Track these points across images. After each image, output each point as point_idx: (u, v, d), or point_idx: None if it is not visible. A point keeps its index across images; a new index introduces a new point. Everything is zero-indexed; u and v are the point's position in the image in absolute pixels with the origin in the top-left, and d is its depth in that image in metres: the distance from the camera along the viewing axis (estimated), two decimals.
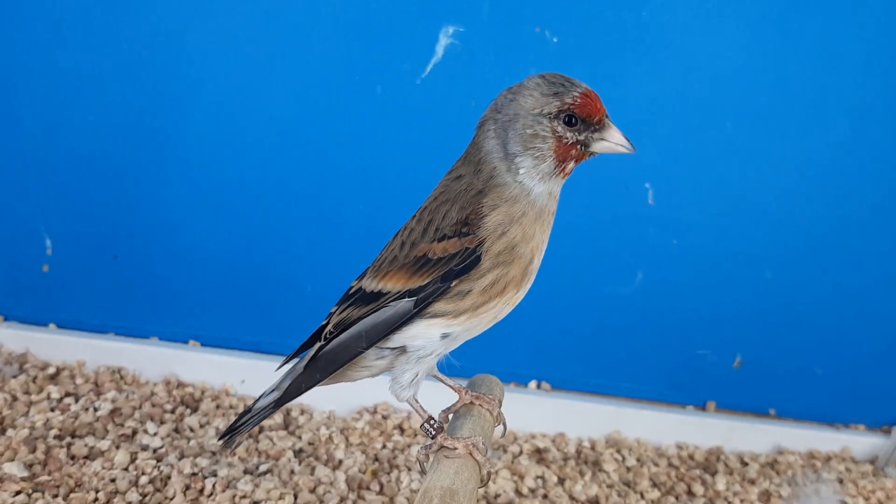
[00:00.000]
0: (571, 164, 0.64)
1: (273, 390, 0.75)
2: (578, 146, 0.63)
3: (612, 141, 0.63)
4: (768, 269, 1.23)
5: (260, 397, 0.76)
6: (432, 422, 0.69)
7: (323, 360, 0.68)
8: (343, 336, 0.67)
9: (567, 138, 0.62)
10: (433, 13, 1.12)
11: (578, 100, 0.62)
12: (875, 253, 1.22)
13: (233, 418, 1.16)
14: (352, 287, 0.71)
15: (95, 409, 1.14)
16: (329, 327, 0.69)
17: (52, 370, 1.22)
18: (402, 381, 0.68)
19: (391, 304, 0.64)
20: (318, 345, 0.70)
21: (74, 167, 1.24)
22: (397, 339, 0.66)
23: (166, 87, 1.19)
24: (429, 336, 0.65)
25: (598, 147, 0.63)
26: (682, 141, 1.17)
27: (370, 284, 0.66)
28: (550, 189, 0.64)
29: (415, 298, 0.63)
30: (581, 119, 0.62)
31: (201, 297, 1.30)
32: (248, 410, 0.77)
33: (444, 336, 0.65)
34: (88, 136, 1.22)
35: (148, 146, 1.22)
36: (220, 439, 0.78)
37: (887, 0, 1.09)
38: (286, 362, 0.78)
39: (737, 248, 1.22)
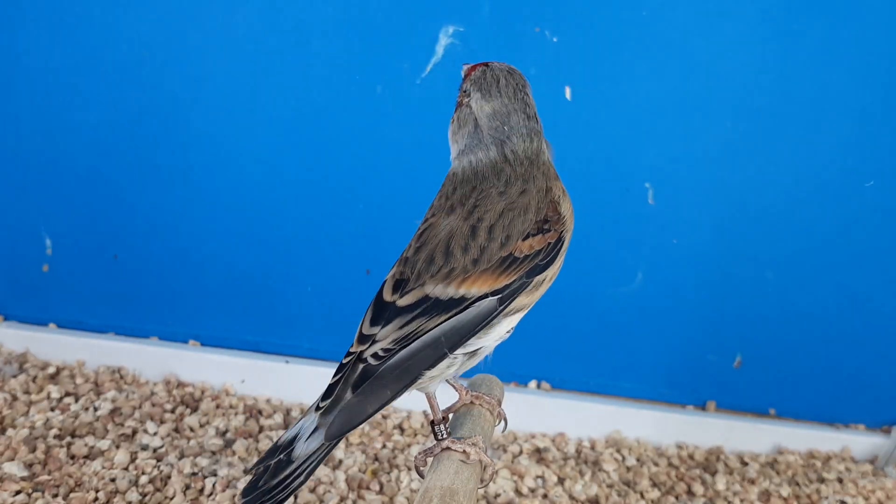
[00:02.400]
0: None
1: (314, 430, 0.65)
2: None
3: None
4: (768, 269, 1.23)
5: (290, 446, 0.66)
6: (446, 424, 0.68)
7: (390, 376, 0.62)
8: (414, 345, 0.63)
9: None
10: (433, 13, 1.12)
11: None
12: (875, 253, 1.22)
13: (232, 418, 1.16)
14: (393, 301, 0.65)
15: (95, 409, 1.14)
16: (382, 344, 0.63)
17: (52, 370, 1.22)
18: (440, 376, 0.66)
19: (474, 305, 0.63)
20: (361, 367, 0.64)
21: (74, 167, 1.24)
22: (478, 342, 0.64)
23: (166, 87, 1.19)
24: (504, 333, 0.65)
25: None
26: (682, 141, 1.17)
27: (444, 292, 0.63)
28: None
29: (498, 297, 0.63)
30: None
31: (201, 297, 1.30)
32: (279, 466, 0.66)
33: (510, 330, 0.66)
34: (88, 135, 1.22)
35: (148, 146, 1.22)
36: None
37: (887, 0, 1.09)
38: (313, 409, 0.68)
39: (737, 248, 1.22)
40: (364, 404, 0.63)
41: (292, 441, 0.66)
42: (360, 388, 0.63)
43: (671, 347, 1.28)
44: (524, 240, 0.63)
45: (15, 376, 1.19)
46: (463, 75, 0.69)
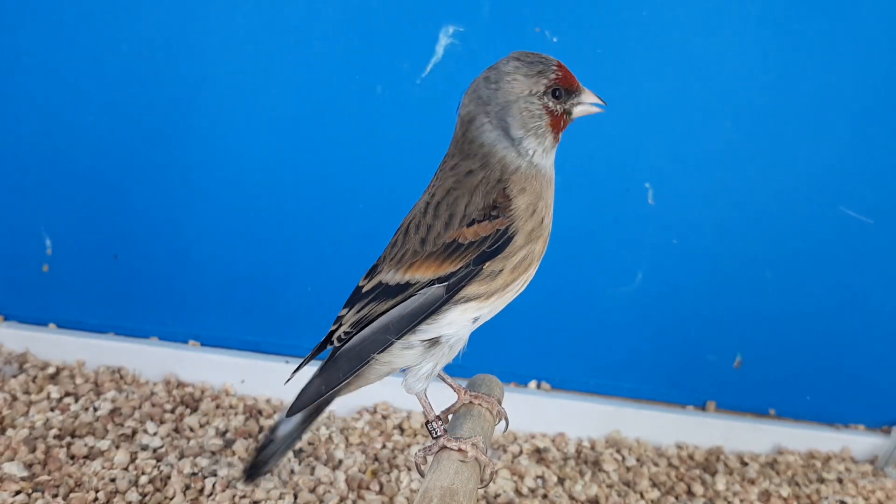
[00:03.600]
0: (561, 133, 0.68)
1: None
2: (565, 114, 0.67)
3: (587, 102, 0.68)
4: (768, 269, 1.23)
5: (279, 424, 0.74)
6: (440, 422, 0.68)
7: (344, 359, 0.66)
8: (366, 331, 0.65)
9: (556, 111, 0.66)
10: (433, 13, 1.12)
11: (560, 73, 0.66)
12: (875, 253, 1.22)
13: (232, 418, 1.16)
14: (361, 287, 0.69)
15: (95, 409, 1.14)
16: (344, 328, 0.67)
17: (52, 370, 1.22)
18: (420, 373, 0.67)
19: (420, 292, 0.64)
20: (330, 349, 0.69)
21: (74, 167, 1.24)
22: (431, 330, 0.65)
23: (166, 87, 1.19)
24: (462, 322, 0.65)
25: (578, 111, 0.68)
26: (682, 141, 1.17)
27: (393, 277, 0.65)
28: (552, 159, 0.68)
29: (445, 284, 0.63)
30: (564, 90, 0.66)
31: (201, 297, 1.30)
32: (268, 442, 0.75)
33: (475, 320, 0.66)
34: (88, 135, 1.22)
35: (148, 146, 1.22)
36: (245, 480, 0.77)
37: (887, 0, 1.09)
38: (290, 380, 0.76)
39: (737, 248, 1.22)
40: (320, 385, 0.67)
41: (280, 423, 0.73)
42: (321, 369, 0.68)
43: (671, 347, 1.28)
44: (469, 226, 0.63)
45: (15, 376, 1.19)
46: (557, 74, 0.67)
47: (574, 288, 1.25)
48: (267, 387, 1.25)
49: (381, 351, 0.65)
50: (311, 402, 0.67)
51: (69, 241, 1.29)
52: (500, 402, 0.76)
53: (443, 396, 0.76)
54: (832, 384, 1.29)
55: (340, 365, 0.66)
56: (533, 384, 1.31)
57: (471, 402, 0.74)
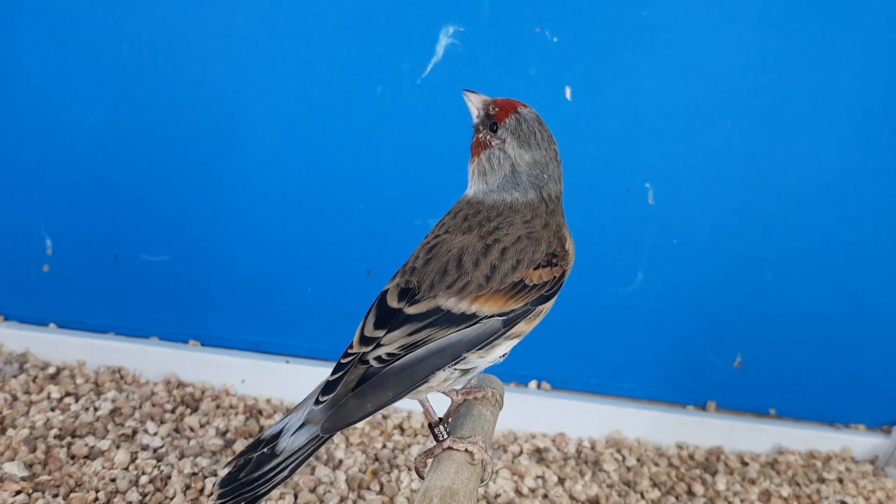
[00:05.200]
0: None
1: (301, 426, 0.66)
2: None
3: None
4: (768, 269, 1.23)
5: (274, 441, 0.66)
6: (444, 425, 0.68)
7: (393, 379, 0.64)
8: (420, 352, 0.64)
9: None
10: (433, 13, 1.12)
11: None
12: (875, 253, 1.22)
13: (233, 418, 1.16)
14: (399, 309, 0.66)
15: (95, 409, 1.14)
16: (388, 349, 0.65)
17: (52, 370, 1.22)
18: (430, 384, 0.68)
19: (481, 322, 0.66)
20: (363, 369, 0.65)
21: (74, 167, 1.24)
22: (476, 360, 0.66)
23: (166, 87, 1.19)
24: (498, 356, 0.68)
25: None
26: (682, 141, 1.17)
27: (457, 306, 0.65)
28: None
29: (504, 318, 0.66)
30: None
31: (201, 297, 1.30)
32: (262, 459, 0.66)
33: (505, 354, 0.69)
34: (88, 135, 1.22)
35: (148, 146, 1.22)
36: (231, 498, 0.65)
37: (887, 0, 1.09)
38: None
39: (737, 248, 1.22)
40: (364, 403, 0.64)
41: (277, 436, 0.67)
42: (361, 388, 0.64)
43: (671, 347, 1.29)
44: (535, 269, 0.67)
45: (15, 376, 1.19)
46: (479, 109, 0.72)
47: (574, 288, 1.25)
48: (267, 387, 1.25)
49: (432, 374, 0.64)
50: (357, 420, 0.64)
51: (69, 241, 1.29)
52: (494, 395, 0.76)
53: (438, 404, 0.76)
54: (832, 384, 1.29)
55: (389, 384, 0.64)
56: (533, 384, 1.31)
57: (465, 400, 0.75)
